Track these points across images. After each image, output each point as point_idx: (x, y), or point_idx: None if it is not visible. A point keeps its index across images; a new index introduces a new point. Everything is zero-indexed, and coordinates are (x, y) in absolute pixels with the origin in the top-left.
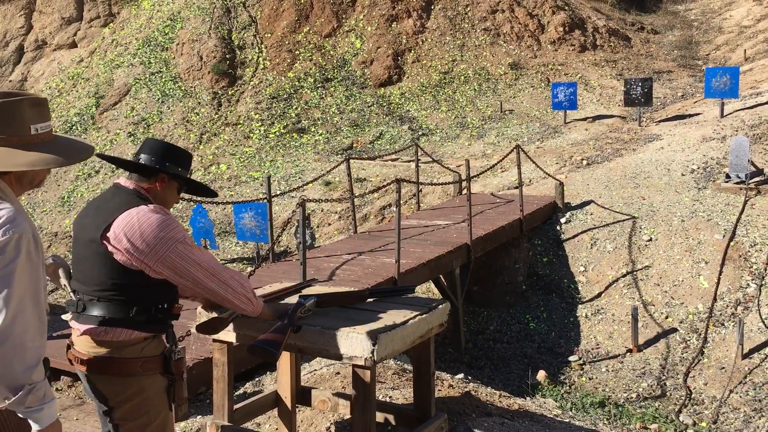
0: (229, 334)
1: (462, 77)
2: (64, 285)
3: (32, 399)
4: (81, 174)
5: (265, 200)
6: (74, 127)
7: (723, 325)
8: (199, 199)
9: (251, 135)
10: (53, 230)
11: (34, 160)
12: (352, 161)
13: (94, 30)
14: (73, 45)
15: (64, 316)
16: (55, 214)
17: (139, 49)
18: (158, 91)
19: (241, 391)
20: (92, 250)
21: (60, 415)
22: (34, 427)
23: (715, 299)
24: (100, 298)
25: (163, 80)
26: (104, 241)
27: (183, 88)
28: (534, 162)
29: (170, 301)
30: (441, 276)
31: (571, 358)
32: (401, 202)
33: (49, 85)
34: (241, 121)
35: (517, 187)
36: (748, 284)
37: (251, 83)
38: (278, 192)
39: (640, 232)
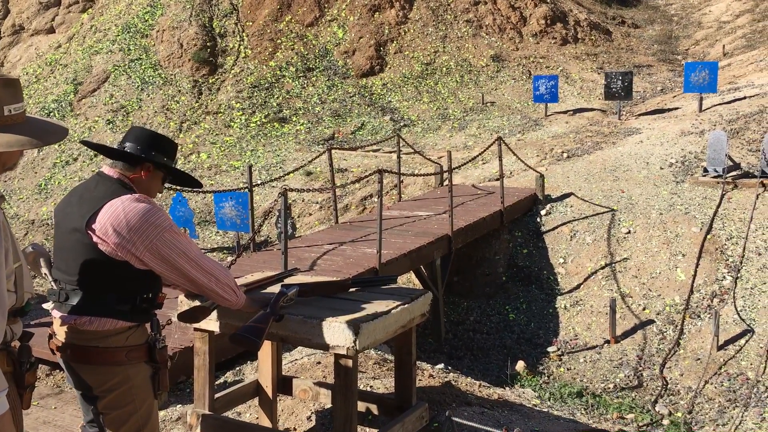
0: (210, 323)
1: (444, 69)
2: (45, 274)
3: None
4: (59, 162)
5: (246, 189)
6: (52, 114)
7: (699, 317)
8: (179, 188)
9: (232, 124)
10: (30, 218)
11: (9, 141)
12: (333, 151)
13: (73, 15)
14: (51, 30)
15: (45, 305)
16: (32, 201)
17: (118, 35)
18: (138, 79)
19: (221, 380)
20: (76, 240)
21: (38, 404)
22: None
23: (691, 291)
24: (83, 287)
25: (143, 67)
26: (89, 232)
27: (163, 75)
28: (515, 154)
29: (155, 291)
30: (422, 267)
31: (549, 349)
32: (383, 192)
33: (27, 71)
34: (221, 110)
35: (498, 179)
36: (724, 277)
37: (232, 72)
38: (259, 181)
39: (618, 224)
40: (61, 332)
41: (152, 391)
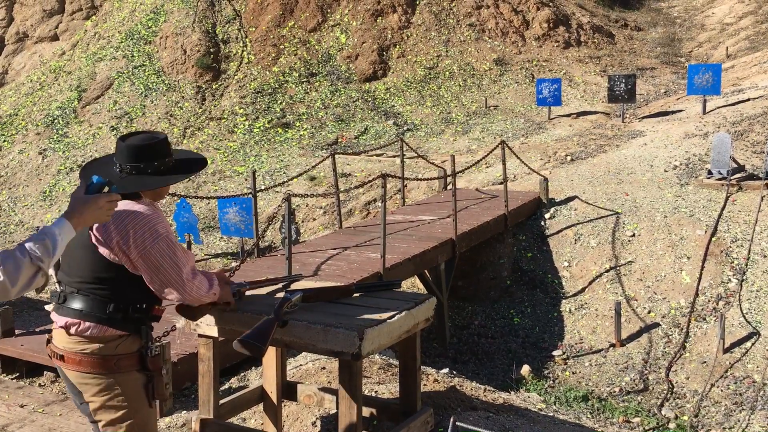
0: (214, 329)
1: (447, 73)
2: (51, 275)
3: None
4: (63, 168)
5: (250, 195)
6: (56, 121)
7: (704, 319)
8: (183, 194)
9: (236, 129)
10: (35, 225)
11: None
12: (337, 156)
13: (76, 23)
14: (55, 38)
15: (47, 307)
16: (36, 208)
17: (121, 42)
18: (141, 85)
19: (226, 386)
20: (78, 242)
21: (43, 411)
22: None
23: (696, 294)
24: (80, 290)
25: (147, 74)
26: (91, 232)
27: (166, 82)
28: (518, 158)
29: (149, 301)
30: (426, 271)
31: (554, 353)
32: (386, 197)
33: (31, 78)
34: (225, 116)
35: (501, 183)
36: (729, 279)
37: (236, 77)
38: (263, 187)
39: (623, 227)
40: (56, 336)
41: (146, 400)
